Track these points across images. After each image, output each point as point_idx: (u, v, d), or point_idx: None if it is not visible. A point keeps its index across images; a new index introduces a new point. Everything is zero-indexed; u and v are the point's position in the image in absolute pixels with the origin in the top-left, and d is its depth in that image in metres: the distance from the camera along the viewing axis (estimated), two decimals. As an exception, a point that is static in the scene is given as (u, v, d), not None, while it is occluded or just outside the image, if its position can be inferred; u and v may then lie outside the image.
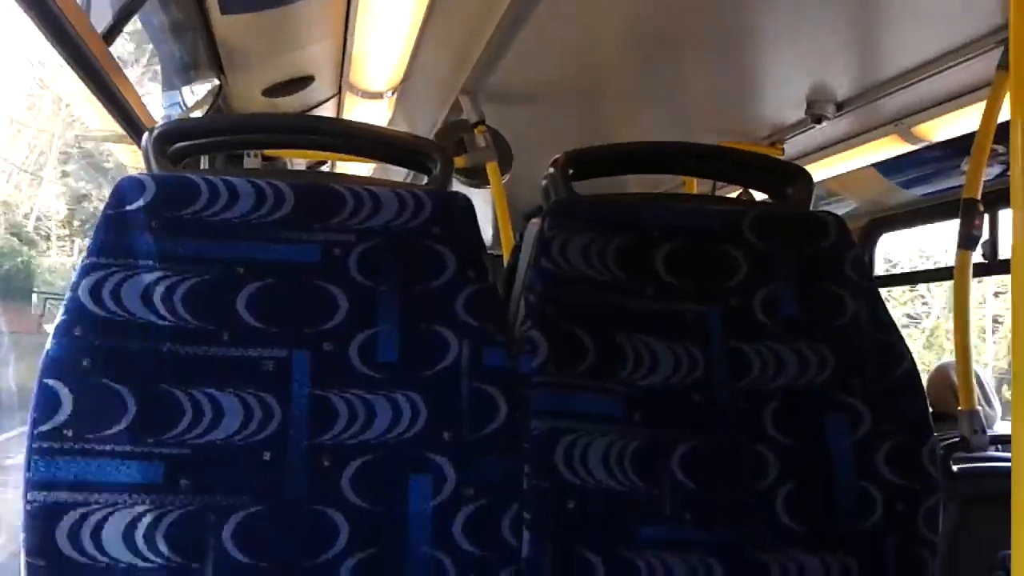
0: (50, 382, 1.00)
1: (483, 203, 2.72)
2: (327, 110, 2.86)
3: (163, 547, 0.98)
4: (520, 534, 1.05)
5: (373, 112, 2.68)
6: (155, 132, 1.13)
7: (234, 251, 1.07)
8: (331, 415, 1.04)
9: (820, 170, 2.91)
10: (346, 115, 2.80)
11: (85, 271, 1.03)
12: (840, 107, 2.54)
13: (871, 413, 1.13)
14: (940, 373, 2.67)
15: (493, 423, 1.06)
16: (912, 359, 1.17)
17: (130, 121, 1.70)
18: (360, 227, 1.10)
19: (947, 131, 2.51)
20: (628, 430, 1.09)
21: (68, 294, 1.02)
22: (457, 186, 2.14)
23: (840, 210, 3.25)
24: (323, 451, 1.03)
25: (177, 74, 2.38)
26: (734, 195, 2.78)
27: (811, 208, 1.28)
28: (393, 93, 2.57)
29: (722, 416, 1.12)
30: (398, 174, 2.91)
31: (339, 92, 2.74)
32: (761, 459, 1.11)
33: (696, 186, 2.96)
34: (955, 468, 1.88)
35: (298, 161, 3.18)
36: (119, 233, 1.05)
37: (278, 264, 1.07)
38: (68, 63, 1.45)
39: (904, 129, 2.55)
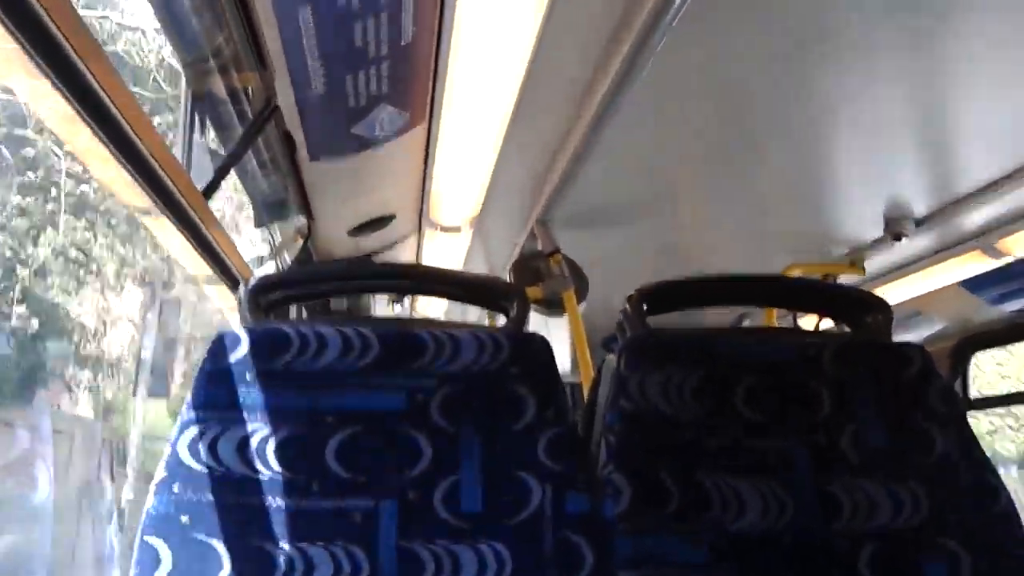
0: (150, 539, 1.02)
1: (561, 331, 2.75)
2: (408, 244, 2.95)
3: None
4: None
5: (451, 245, 2.75)
6: (250, 287, 1.18)
7: (323, 401, 1.10)
8: (418, 567, 1.03)
9: (902, 289, 2.85)
10: (426, 249, 2.88)
11: (184, 426, 1.07)
12: (919, 224, 2.51)
13: (970, 556, 1.08)
14: None
15: (580, 573, 1.04)
16: (1008, 494, 1.12)
17: (226, 270, 1.79)
18: (441, 371, 1.13)
19: (1033, 245, 2.46)
20: None
21: (167, 450, 1.06)
22: (536, 317, 2.17)
23: (928, 329, 3.16)
24: None
25: (268, 216, 2.51)
26: (813, 323, 2.74)
27: (897, 328, 1.26)
28: (470, 226, 2.65)
29: (816, 561, 1.08)
30: (475, 308, 2.97)
31: (419, 227, 2.84)
32: None
33: (775, 314, 2.92)
34: None
35: (380, 296, 3.28)
36: (216, 387, 1.09)
37: (364, 412, 1.10)
38: (168, 217, 1.54)
39: (987, 244, 2.50)
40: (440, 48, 1.79)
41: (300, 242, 2.60)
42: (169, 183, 1.44)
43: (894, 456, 1.13)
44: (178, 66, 1.94)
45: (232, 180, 2.16)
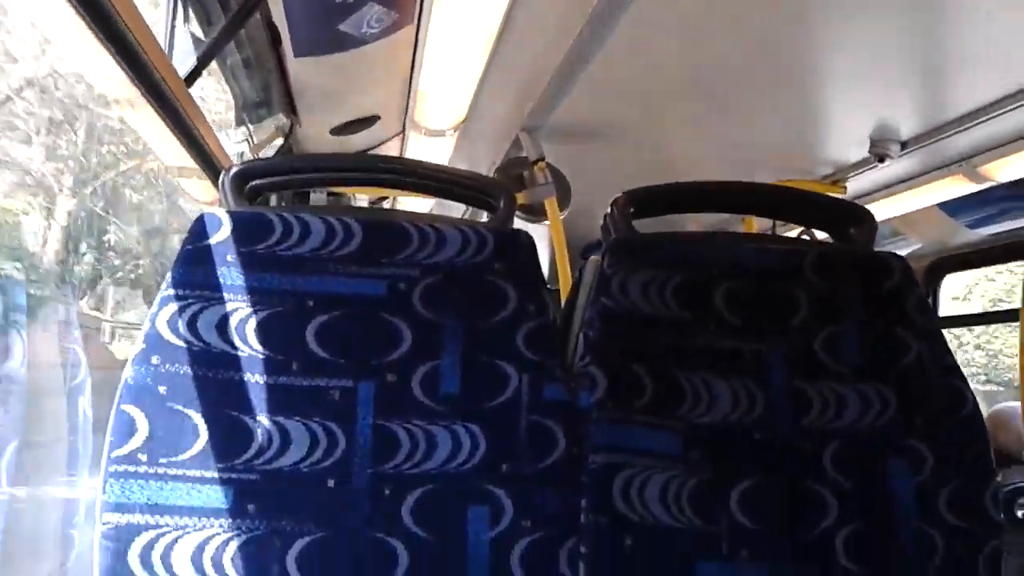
0: (127, 408, 1.04)
1: (541, 238, 2.75)
2: (391, 147, 2.93)
3: (230, 570, 1.01)
4: (577, 568, 1.06)
5: (435, 149, 2.73)
6: (232, 171, 1.18)
7: (304, 284, 1.11)
8: (393, 445, 1.07)
9: (883, 209, 2.88)
10: (409, 152, 2.86)
11: (164, 302, 1.08)
12: (904, 146, 2.51)
13: (933, 456, 1.12)
14: (1001, 415, 2.60)
15: (551, 456, 1.08)
16: (975, 402, 1.16)
17: (207, 160, 1.78)
18: (425, 262, 1.14)
19: (1014, 171, 2.47)
20: (686, 467, 1.10)
21: (146, 324, 1.08)
22: (517, 222, 2.19)
23: (904, 250, 3.20)
24: (385, 480, 1.05)
25: (250, 113, 2.47)
26: (794, 234, 2.77)
27: (875, 248, 1.28)
28: (455, 131, 2.62)
29: (782, 455, 1.12)
30: (457, 210, 2.96)
31: (403, 130, 2.81)
32: (821, 500, 1.10)
33: (755, 225, 2.94)
34: (1020, 514, 1.84)
35: (361, 197, 3.26)
36: (197, 266, 1.10)
37: (346, 297, 1.11)
38: (150, 104, 1.52)
39: (970, 169, 2.51)
40: (430, -55, 1.74)
41: (280, 141, 2.57)
42: (151, 68, 1.42)
43: (867, 360, 1.16)
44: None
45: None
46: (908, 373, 1.16)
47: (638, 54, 2.03)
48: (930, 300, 3.18)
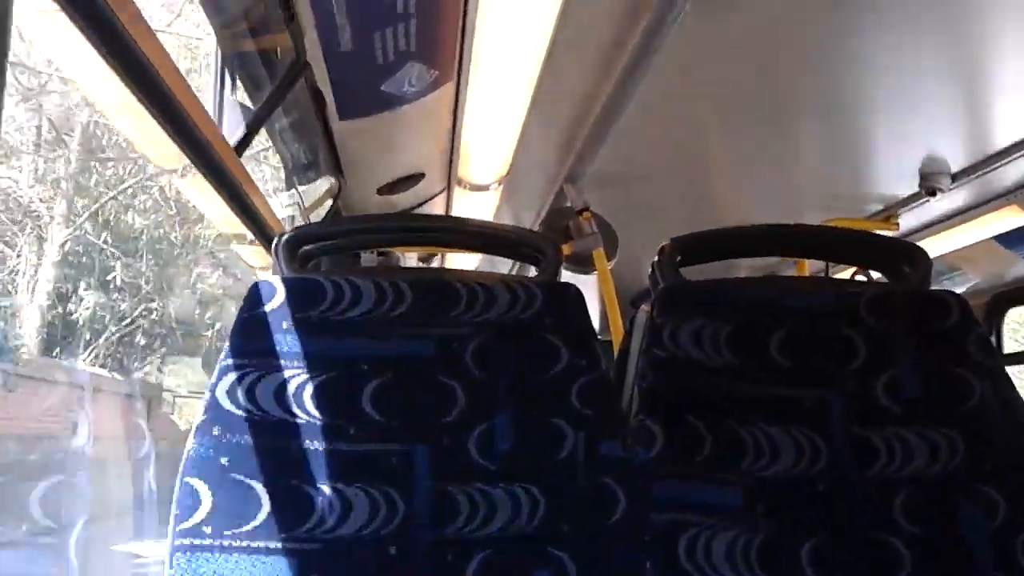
0: (191, 480, 1.05)
1: (590, 290, 2.75)
2: (437, 203, 2.95)
3: None
4: None
5: (480, 203, 2.75)
6: (284, 237, 1.20)
7: (358, 348, 1.12)
8: (453, 509, 1.06)
9: (937, 244, 2.81)
10: (455, 208, 2.88)
11: (223, 372, 1.10)
12: (955, 179, 2.46)
13: (1006, 501, 1.08)
14: None
15: (613, 516, 1.06)
16: None
17: (259, 225, 1.81)
18: (475, 320, 1.14)
19: (1067, 201, 2.42)
20: (751, 523, 1.07)
21: (207, 395, 1.09)
22: (564, 274, 2.19)
23: (961, 286, 3.12)
24: (446, 545, 1.04)
25: (299, 176, 2.52)
26: (847, 275, 2.72)
27: (931, 285, 1.25)
28: (499, 184, 2.64)
29: (850, 507, 1.08)
30: (505, 264, 2.97)
31: (448, 186, 2.84)
32: (894, 551, 1.06)
33: (807, 268, 2.90)
34: None
35: (410, 254, 3.29)
36: (254, 335, 1.12)
37: (398, 359, 1.11)
38: (201, 173, 1.55)
39: (1023, 200, 2.46)
40: (468, 4, 1.77)
41: (329, 203, 2.61)
42: (202, 138, 1.45)
43: (930, 404, 1.13)
44: (209, 27, 1.94)
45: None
46: (973, 415, 1.12)
47: (677, 96, 2.04)
48: (993, 337, 3.08)
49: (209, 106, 1.78)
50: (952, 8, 1.66)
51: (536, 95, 2.03)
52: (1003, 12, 1.66)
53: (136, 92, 1.26)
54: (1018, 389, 1.14)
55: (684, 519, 1.07)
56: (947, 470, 1.10)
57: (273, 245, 1.21)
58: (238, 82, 1.91)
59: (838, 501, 1.08)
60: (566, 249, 2.59)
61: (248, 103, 1.98)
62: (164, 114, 1.35)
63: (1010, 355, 3.21)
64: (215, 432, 1.07)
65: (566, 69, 1.94)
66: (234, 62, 1.91)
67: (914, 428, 1.11)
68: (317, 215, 2.60)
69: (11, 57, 0.68)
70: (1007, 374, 1.18)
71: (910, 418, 1.12)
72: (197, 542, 1.03)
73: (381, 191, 2.67)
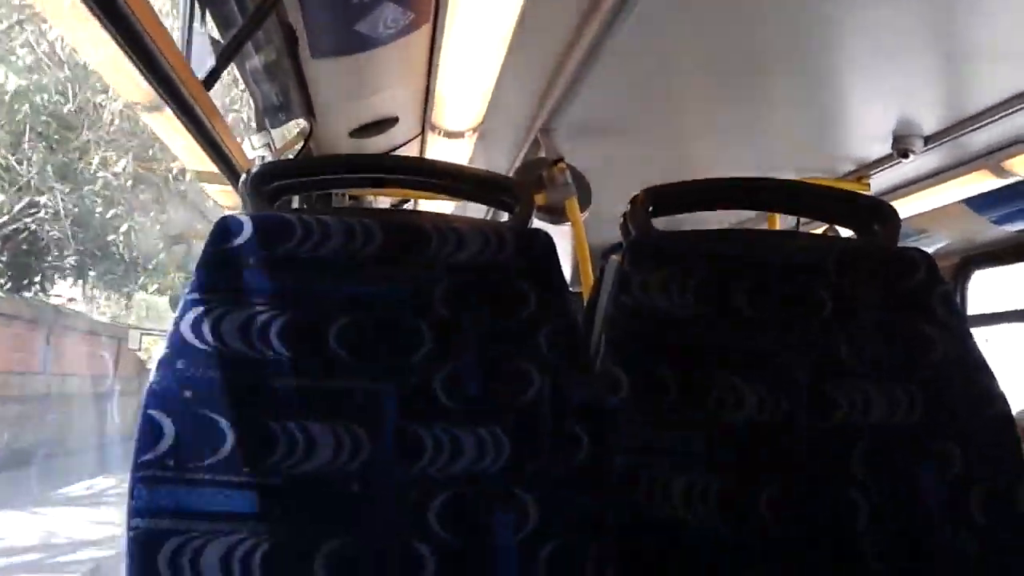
0: (153, 413, 1.04)
1: (563, 239, 2.74)
2: (410, 150, 2.93)
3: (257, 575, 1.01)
4: (604, 571, 1.05)
5: (454, 151, 2.73)
6: (252, 173, 1.18)
7: (325, 287, 1.11)
8: (418, 448, 1.06)
9: (907, 206, 2.84)
10: (428, 154, 2.85)
11: (188, 306, 1.08)
12: (928, 141, 2.48)
13: (963, 456, 1.10)
14: None
15: (576, 458, 1.07)
16: (1006, 400, 1.13)
17: (227, 163, 1.78)
18: (445, 263, 1.13)
19: (1040, 166, 2.44)
20: (712, 468, 1.08)
21: (171, 329, 1.08)
22: (537, 223, 2.19)
23: (930, 247, 3.16)
24: (410, 484, 1.05)
25: (269, 116, 2.47)
26: (818, 232, 2.74)
27: (900, 244, 1.26)
28: (474, 132, 2.61)
29: (809, 457, 1.10)
30: (477, 212, 2.95)
31: (422, 132, 2.81)
32: (850, 501, 1.08)
33: (778, 223, 2.92)
34: None
35: (382, 199, 3.26)
36: (220, 270, 1.10)
37: (366, 299, 1.11)
38: (168, 106, 1.52)
39: (994, 164, 2.48)
40: (445, -56, 1.74)
41: (300, 144, 2.57)
42: (170, 70, 1.42)
43: (893, 358, 1.14)
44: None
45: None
46: (935, 371, 1.14)
47: (654, 50, 2.02)
48: (959, 297, 3.14)
49: (177, 39, 1.73)
50: None
51: (513, 42, 2.00)
52: None
53: (103, 22, 1.23)
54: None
55: (646, 462, 1.08)
56: (906, 424, 1.12)
57: (241, 181, 1.19)
58: (207, 15, 1.87)
59: (797, 450, 1.10)
60: (541, 199, 2.58)
61: (219, 39, 1.94)
62: (131, 45, 1.32)
63: (974, 316, 3.28)
64: (179, 366, 1.06)
65: (544, 17, 1.91)
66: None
67: (875, 382, 1.13)
68: (288, 158, 2.56)
69: None
70: (969, 332, 1.19)
71: (872, 372, 1.13)
72: (159, 474, 1.03)
73: (353, 134, 2.63)
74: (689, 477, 1.08)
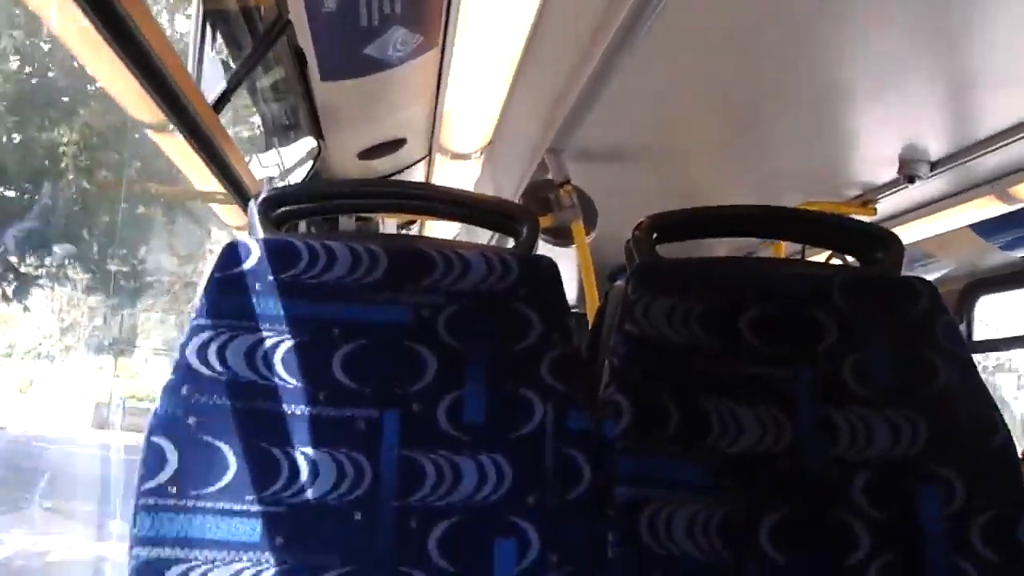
0: (157, 439, 1.04)
1: (568, 262, 2.75)
2: (418, 170, 2.94)
3: None
4: None
5: (461, 172, 2.74)
6: (261, 199, 1.19)
7: (330, 313, 1.11)
8: (419, 476, 1.05)
9: (914, 230, 2.84)
10: (436, 175, 2.87)
11: (194, 331, 1.09)
12: (934, 166, 2.47)
13: (965, 486, 1.10)
14: None
15: (577, 488, 1.06)
16: (1008, 431, 1.13)
17: (236, 185, 1.79)
18: (449, 289, 1.14)
19: (1047, 192, 2.44)
20: (713, 499, 1.08)
21: (176, 354, 1.08)
22: (543, 246, 2.19)
23: (936, 272, 3.15)
24: (411, 512, 1.04)
25: (279, 137, 2.50)
26: (823, 258, 2.74)
27: (905, 271, 1.26)
28: (481, 154, 2.63)
29: (811, 486, 1.09)
30: (484, 234, 2.96)
31: (429, 153, 2.82)
32: (851, 532, 1.08)
33: (784, 250, 2.92)
34: None
35: (390, 221, 3.27)
36: (226, 295, 1.10)
37: (371, 325, 1.11)
38: (179, 130, 1.54)
39: (1001, 190, 2.47)
40: (454, -32, 1.76)
41: (309, 165, 2.59)
42: (180, 94, 1.43)
43: (896, 387, 1.14)
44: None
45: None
46: (938, 401, 1.14)
47: (661, 75, 2.03)
48: (964, 323, 3.13)
49: (189, 63, 1.75)
50: None
51: (521, 66, 2.02)
52: (984, 2, 1.66)
53: (114, 44, 1.24)
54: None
55: (647, 493, 1.08)
56: (908, 453, 1.11)
57: (250, 206, 1.19)
58: (219, 38, 1.89)
59: (800, 480, 1.10)
60: (547, 221, 2.59)
61: (230, 63, 1.96)
62: (142, 68, 1.33)
63: (979, 342, 3.27)
64: (183, 392, 1.06)
65: (552, 41, 1.92)
66: (216, 18, 1.88)
67: (878, 411, 1.13)
68: (297, 179, 2.58)
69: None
70: (972, 361, 1.19)
71: (875, 401, 1.13)
72: (162, 502, 1.02)
73: (362, 156, 2.65)
74: (691, 508, 1.07)
